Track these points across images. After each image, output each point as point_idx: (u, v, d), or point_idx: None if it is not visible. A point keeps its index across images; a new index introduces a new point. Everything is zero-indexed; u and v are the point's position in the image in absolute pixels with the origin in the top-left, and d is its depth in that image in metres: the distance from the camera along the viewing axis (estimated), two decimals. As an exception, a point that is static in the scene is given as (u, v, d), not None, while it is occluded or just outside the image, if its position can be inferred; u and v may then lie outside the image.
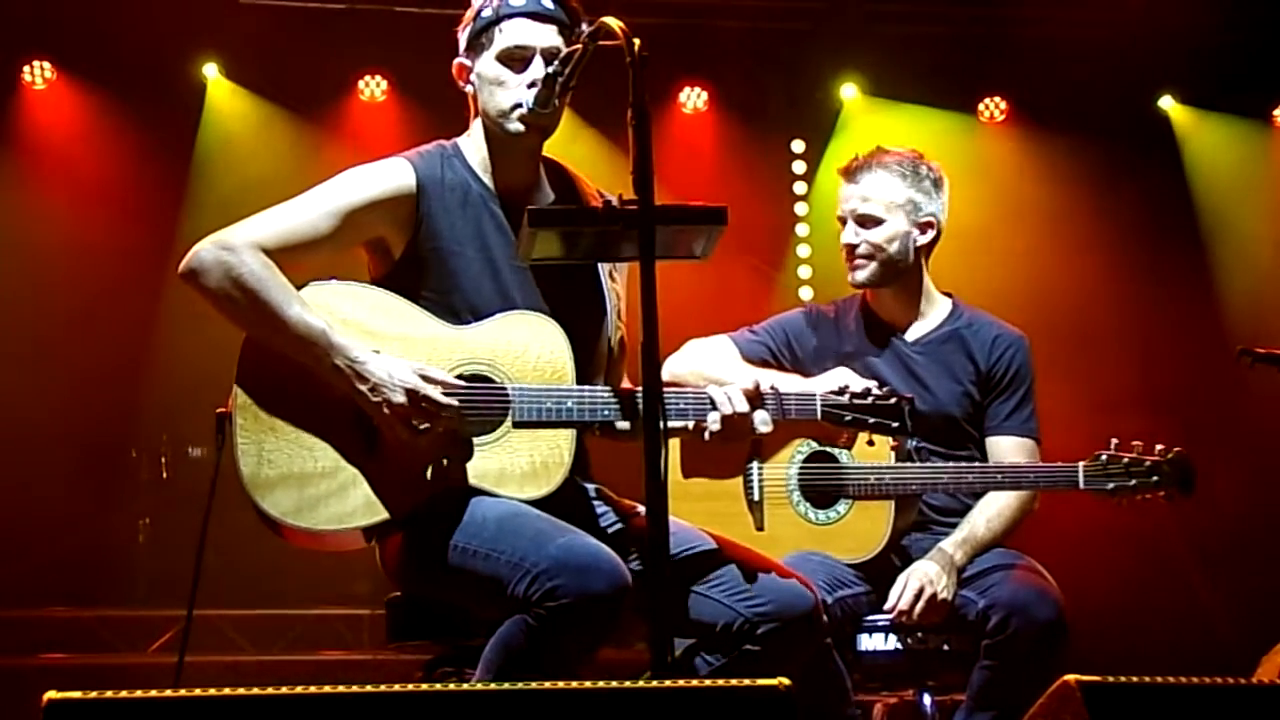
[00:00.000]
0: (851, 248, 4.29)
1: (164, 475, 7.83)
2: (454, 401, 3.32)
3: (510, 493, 3.37)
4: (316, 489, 3.34)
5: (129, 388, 7.77)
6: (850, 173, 4.32)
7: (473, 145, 3.61)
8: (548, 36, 3.48)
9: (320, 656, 7.35)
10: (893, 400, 3.61)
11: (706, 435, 3.42)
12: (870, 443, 4.00)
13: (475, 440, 3.39)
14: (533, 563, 3.17)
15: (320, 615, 7.59)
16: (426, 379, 3.31)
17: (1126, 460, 4.01)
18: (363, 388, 3.30)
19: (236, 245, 3.34)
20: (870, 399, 3.60)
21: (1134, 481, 4.00)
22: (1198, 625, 7.65)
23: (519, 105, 3.48)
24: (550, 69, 3.37)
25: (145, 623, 7.31)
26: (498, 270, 3.51)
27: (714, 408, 3.41)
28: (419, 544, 3.39)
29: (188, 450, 7.63)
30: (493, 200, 3.57)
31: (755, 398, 3.43)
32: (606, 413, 3.41)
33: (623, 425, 3.43)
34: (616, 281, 3.67)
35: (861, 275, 4.30)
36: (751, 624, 3.36)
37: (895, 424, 3.61)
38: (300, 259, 3.42)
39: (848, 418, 3.59)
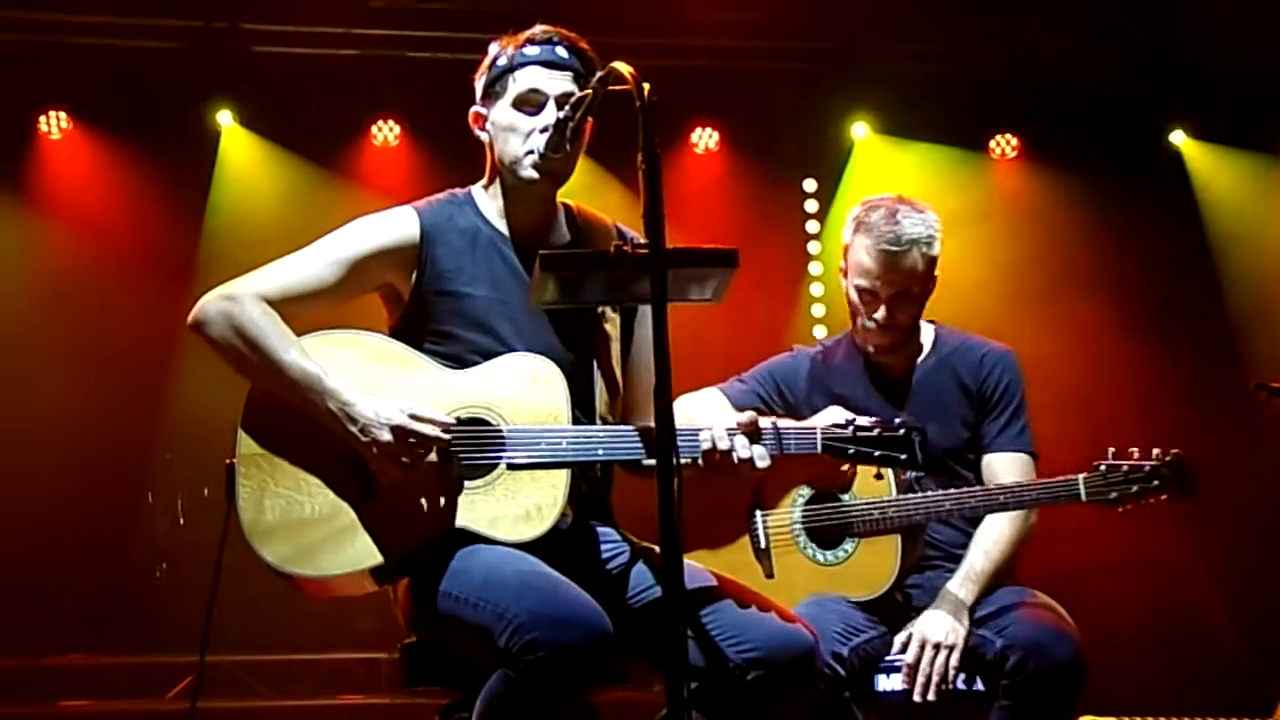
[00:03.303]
0: (888, 324, 4.21)
1: (180, 520, 7.84)
2: (440, 433, 3.33)
3: (503, 535, 3.36)
4: (312, 535, 3.37)
5: (145, 434, 7.79)
6: (892, 252, 4.15)
7: (487, 193, 3.66)
8: (561, 84, 3.51)
9: (338, 701, 7.33)
10: (901, 431, 3.53)
11: (703, 464, 3.37)
12: (879, 476, 3.92)
13: (469, 483, 3.39)
14: (513, 615, 3.17)
15: (337, 660, 7.58)
16: (415, 417, 3.33)
17: (1126, 467, 3.95)
18: (353, 429, 3.33)
19: (239, 295, 3.42)
20: (876, 431, 3.52)
21: (1136, 488, 3.94)
22: (1216, 660, 7.60)
23: (531, 152, 3.51)
24: (560, 114, 3.39)
25: (163, 669, 7.29)
26: (508, 311, 3.54)
27: (713, 446, 3.37)
28: (418, 591, 3.41)
29: (204, 495, 7.63)
30: (505, 244, 3.60)
31: (753, 434, 3.39)
32: (601, 452, 3.42)
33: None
34: (609, 321, 3.66)
35: (886, 345, 4.26)
36: (741, 670, 3.32)
37: (904, 456, 3.52)
38: (305, 309, 3.48)
39: (850, 451, 3.50)
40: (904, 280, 4.19)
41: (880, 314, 4.21)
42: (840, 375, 4.34)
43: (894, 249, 4.17)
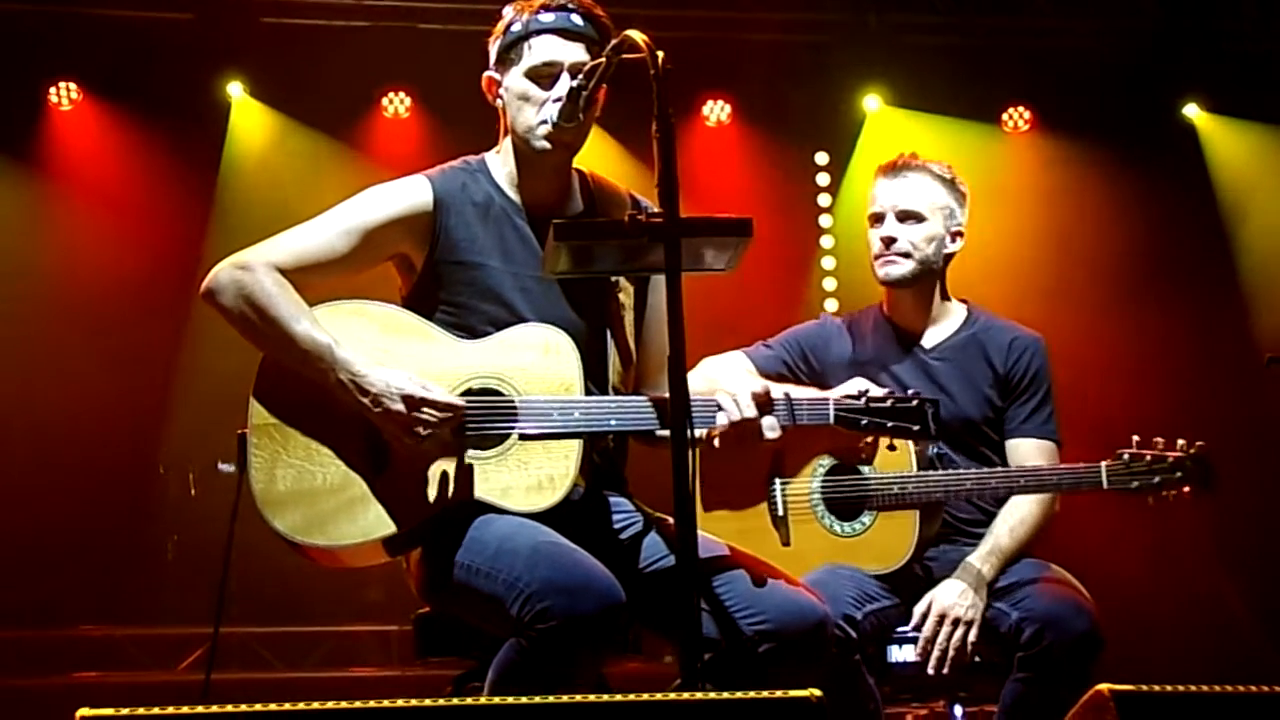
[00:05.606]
0: (890, 241, 4.24)
1: (192, 492, 7.86)
2: (453, 400, 3.33)
3: (515, 506, 3.36)
4: (325, 505, 3.36)
5: (157, 405, 7.80)
6: (894, 170, 4.30)
7: (500, 160, 3.63)
8: (575, 53, 3.47)
9: (349, 673, 7.35)
10: (914, 402, 3.53)
11: (716, 442, 3.40)
12: (891, 447, 3.89)
13: (482, 453, 3.39)
14: (525, 584, 3.17)
15: (349, 631, 7.60)
16: (426, 387, 3.32)
17: (1149, 458, 3.95)
18: (365, 400, 3.32)
19: (252, 264, 3.41)
20: (890, 402, 3.53)
21: (1158, 479, 3.94)
22: (1231, 635, 7.60)
23: (544, 121, 3.48)
24: (574, 83, 3.38)
25: (175, 640, 7.33)
26: (520, 282, 3.52)
27: (721, 413, 3.38)
28: (431, 561, 3.41)
29: (216, 466, 7.64)
30: (518, 214, 3.58)
31: (764, 403, 3.38)
32: (614, 422, 3.41)
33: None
34: (623, 291, 3.64)
35: (895, 271, 4.25)
36: (752, 641, 3.31)
37: (916, 427, 3.52)
38: (318, 278, 3.47)
39: (864, 422, 3.50)
40: (905, 196, 4.25)
41: (884, 230, 4.25)
42: (867, 344, 4.34)
43: (894, 166, 4.29)
